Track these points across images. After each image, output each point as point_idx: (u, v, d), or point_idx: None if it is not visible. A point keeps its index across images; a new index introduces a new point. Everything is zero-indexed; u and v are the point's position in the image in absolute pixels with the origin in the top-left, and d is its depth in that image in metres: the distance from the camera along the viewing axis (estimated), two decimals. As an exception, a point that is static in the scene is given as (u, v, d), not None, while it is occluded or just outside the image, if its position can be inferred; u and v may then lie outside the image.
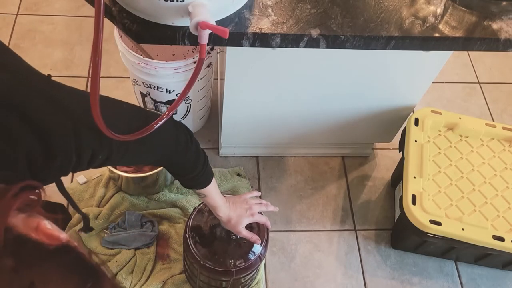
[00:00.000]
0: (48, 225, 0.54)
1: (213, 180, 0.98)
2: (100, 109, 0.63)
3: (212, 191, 0.99)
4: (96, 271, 0.55)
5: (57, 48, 1.75)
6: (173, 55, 1.54)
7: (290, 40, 0.92)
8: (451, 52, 1.13)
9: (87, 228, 1.28)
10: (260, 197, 1.30)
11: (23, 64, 0.69)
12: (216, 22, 0.79)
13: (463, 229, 1.21)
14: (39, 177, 0.65)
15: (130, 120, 0.77)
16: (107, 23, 0.98)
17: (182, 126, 0.89)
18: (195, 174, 0.92)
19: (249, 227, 1.12)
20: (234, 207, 1.06)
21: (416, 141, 1.35)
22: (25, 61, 0.70)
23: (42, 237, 0.52)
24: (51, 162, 0.66)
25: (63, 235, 0.55)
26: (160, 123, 0.76)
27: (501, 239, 1.20)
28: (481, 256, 1.38)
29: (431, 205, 1.27)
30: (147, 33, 0.86)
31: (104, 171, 1.44)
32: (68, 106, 0.66)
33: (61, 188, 0.90)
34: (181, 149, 0.86)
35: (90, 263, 0.55)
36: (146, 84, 1.32)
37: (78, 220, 1.34)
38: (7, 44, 1.72)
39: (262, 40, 0.91)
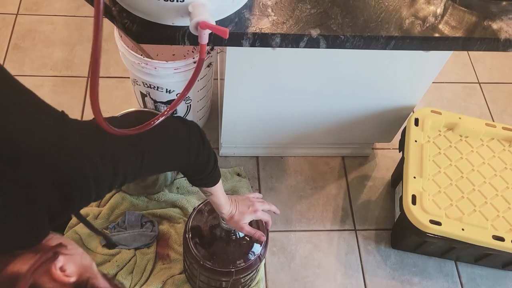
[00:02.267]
0: (58, 265, 0.55)
1: (220, 181, 0.98)
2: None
3: (218, 190, 0.99)
4: None
5: (57, 48, 1.75)
6: (173, 55, 1.54)
7: (290, 40, 0.92)
8: (451, 52, 1.13)
9: (110, 245, 1.29)
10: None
11: (34, 102, 0.67)
12: (216, 22, 0.79)
13: (463, 229, 1.21)
14: (57, 220, 0.65)
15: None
16: (107, 23, 0.98)
17: (194, 129, 0.86)
18: (206, 175, 0.92)
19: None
20: (237, 204, 1.06)
21: (416, 141, 1.35)
22: (36, 96, 0.67)
23: (55, 285, 0.53)
24: (70, 207, 0.65)
25: (73, 274, 0.57)
26: (159, 120, 0.76)
27: (501, 239, 1.20)
28: (481, 256, 1.38)
29: (431, 205, 1.27)
30: (147, 33, 0.86)
31: (104, 171, 1.44)
32: (81, 149, 0.65)
33: (78, 215, 0.90)
34: (193, 154, 0.85)
35: None
36: (146, 84, 1.32)
37: (78, 220, 1.34)
38: (7, 44, 1.72)
39: (262, 40, 0.91)
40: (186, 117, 1.46)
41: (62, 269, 0.57)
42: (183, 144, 0.82)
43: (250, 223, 1.12)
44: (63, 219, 0.68)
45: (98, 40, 0.54)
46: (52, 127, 0.64)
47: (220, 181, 0.98)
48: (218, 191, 0.99)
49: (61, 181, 0.61)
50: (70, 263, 0.58)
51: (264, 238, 1.09)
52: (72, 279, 0.57)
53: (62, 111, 0.68)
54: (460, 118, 1.40)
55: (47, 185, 0.60)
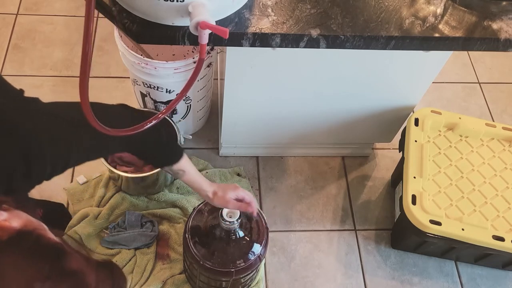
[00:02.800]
0: (0, 218, 0.55)
1: (187, 158, 0.99)
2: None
3: (188, 165, 1.00)
4: (57, 251, 0.54)
5: (57, 48, 1.75)
6: (173, 55, 1.54)
7: (290, 40, 0.92)
8: (451, 52, 1.13)
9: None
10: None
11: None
12: (216, 22, 0.79)
13: (463, 229, 1.21)
14: (14, 192, 0.66)
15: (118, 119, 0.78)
16: (107, 23, 0.98)
17: (131, 108, 0.91)
18: (161, 149, 0.93)
19: (249, 227, 1.12)
20: (216, 184, 1.07)
21: (416, 141, 1.35)
22: None
23: None
24: (28, 180, 0.67)
25: (16, 223, 0.56)
26: (154, 122, 0.76)
27: (501, 239, 1.20)
28: (481, 256, 1.38)
29: (431, 205, 1.27)
30: (147, 33, 0.86)
31: (104, 171, 1.44)
32: (43, 123, 0.69)
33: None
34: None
35: (50, 244, 0.54)
36: (146, 84, 1.32)
37: (79, 219, 1.34)
38: (7, 44, 1.72)
39: (262, 40, 0.91)
40: (186, 117, 1.46)
41: (5, 221, 0.57)
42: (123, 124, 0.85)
43: (249, 222, 1.12)
44: (20, 192, 0.70)
45: (89, 35, 0.56)
46: (18, 99, 0.70)
47: (188, 159, 0.99)
48: (188, 167, 1.00)
49: (23, 144, 0.64)
50: (15, 218, 0.57)
51: (251, 210, 1.05)
52: (15, 225, 0.55)
53: (21, 89, 0.72)
54: (460, 118, 1.40)
55: (10, 149, 0.63)
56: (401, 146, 1.40)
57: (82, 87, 0.61)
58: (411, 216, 1.23)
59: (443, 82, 1.85)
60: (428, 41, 0.96)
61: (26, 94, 0.74)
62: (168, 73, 1.25)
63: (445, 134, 1.41)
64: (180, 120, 1.47)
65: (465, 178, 1.33)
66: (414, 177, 1.28)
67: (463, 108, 1.80)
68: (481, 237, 1.20)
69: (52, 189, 1.43)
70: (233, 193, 1.04)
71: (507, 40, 0.97)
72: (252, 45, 0.92)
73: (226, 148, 1.54)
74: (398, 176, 1.47)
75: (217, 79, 1.67)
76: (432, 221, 1.21)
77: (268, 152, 1.58)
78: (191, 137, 1.57)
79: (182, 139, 1.49)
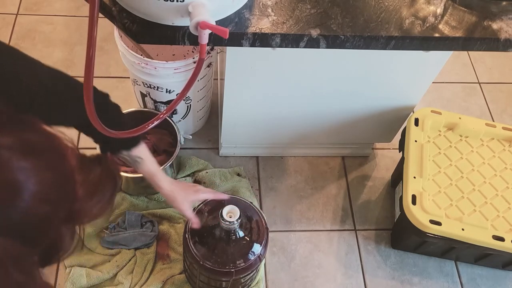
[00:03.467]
0: None
1: (146, 147, 0.98)
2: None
3: (146, 153, 0.98)
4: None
5: (57, 48, 1.75)
6: (173, 55, 1.54)
7: (290, 40, 0.92)
8: (451, 52, 1.13)
9: None
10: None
11: None
12: (216, 22, 0.79)
13: (463, 229, 1.21)
14: None
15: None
16: (107, 23, 0.98)
17: (97, 91, 0.91)
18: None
19: (249, 227, 1.12)
20: (178, 183, 1.07)
21: (416, 141, 1.35)
22: None
23: None
24: None
25: None
26: (156, 122, 0.76)
27: (501, 239, 1.20)
28: (481, 256, 1.38)
29: (431, 205, 1.27)
30: (147, 33, 0.86)
31: (104, 171, 1.44)
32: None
33: None
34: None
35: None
36: (146, 84, 1.32)
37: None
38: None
39: (262, 40, 0.91)
40: (186, 117, 1.46)
41: None
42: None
43: (249, 222, 1.12)
44: None
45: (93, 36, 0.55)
46: None
47: (146, 148, 0.98)
48: (145, 154, 0.98)
49: None
50: None
51: (196, 226, 1.07)
52: None
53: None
54: (460, 118, 1.40)
55: None
56: (401, 146, 1.40)
57: (87, 89, 0.61)
58: (411, 216, 1.23)
59: (443, 82, 1.85)
60: (428, 41, 0.96)
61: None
62: (168, 73, 1.25)
63: (445, 134, 1.41)
64: (180, 120, 1.47)
65: (465, 178, 1.33)
66: (414, 177, 1.28)
67: (463, 108, 1.80)
68: (481, 237, 1.20)
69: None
70: (193, 196, 1.07)
71: (507, 40, 0.97)
72: (252, 45, 0.92)
73: (226, 148, 1.54)
74: (398, 176, 1.47)
75: (217, 79, 1.67)
76: (432, 221, 1.21)
77: (268, 152, 1.58)
78: (191, 137, 1.57)
79: (182, 139, 1.49)
